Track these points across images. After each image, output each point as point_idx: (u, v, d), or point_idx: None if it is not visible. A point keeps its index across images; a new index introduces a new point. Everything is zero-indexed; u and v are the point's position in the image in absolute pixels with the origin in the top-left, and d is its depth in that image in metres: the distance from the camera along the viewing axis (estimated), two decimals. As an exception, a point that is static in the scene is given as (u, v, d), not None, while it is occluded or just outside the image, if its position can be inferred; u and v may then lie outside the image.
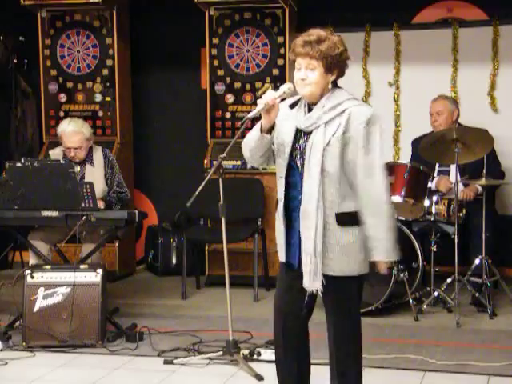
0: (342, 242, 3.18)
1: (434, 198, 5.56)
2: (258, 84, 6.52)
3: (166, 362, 4.48)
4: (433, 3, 6.67)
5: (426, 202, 5.53)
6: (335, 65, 3.20)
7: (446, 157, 5.47)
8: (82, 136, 5.44)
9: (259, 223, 6.22)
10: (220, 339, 4.65)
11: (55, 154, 5.63)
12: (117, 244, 6.66)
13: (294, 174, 3.25)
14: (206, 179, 4.30)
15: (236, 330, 4.58)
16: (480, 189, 5.68)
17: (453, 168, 5.74)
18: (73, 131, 5.42)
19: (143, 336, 4.89)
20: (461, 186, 5.70)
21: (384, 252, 3.19)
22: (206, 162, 6.49)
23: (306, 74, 3.19)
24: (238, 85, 6.61)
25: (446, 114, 5.97)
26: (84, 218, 4.84)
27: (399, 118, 6.71)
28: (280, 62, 6.49)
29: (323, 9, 6.73)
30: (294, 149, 3.25)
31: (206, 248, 6.56)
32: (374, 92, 6.73)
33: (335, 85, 3.26)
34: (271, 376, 4.19)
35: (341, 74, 3.26)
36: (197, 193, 4.24)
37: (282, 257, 3.33)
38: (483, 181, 5.36)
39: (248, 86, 6.59)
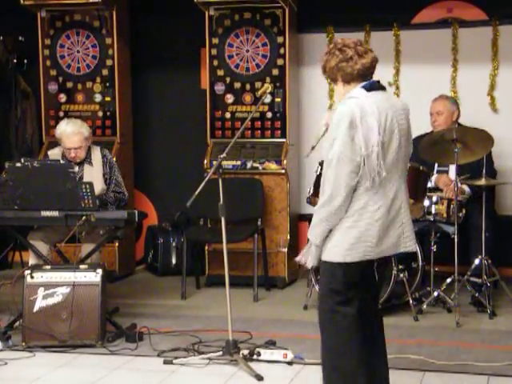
0: None
1: (434, 198, 5.56)
2: (257, 84, 6.50)
3: (165, 362, 4.47)
4: (432, 3, 6.66)
5: (426, 202, 5.52)
6: (330, 72, 3.41)
7: (445, 157, 5.46)
8: (81, 136, 5.43)
9: (259, 223, 6.23)
10: (220, 339, 4.64)
11: (54, 154, 5.61)
12: (116, 244, 6.66)
13: None
14: (206, 179, 4.31)
15: (236, 330, 4.58)
16: (467, 190, 5.69)
17: (452, 168, 5.74)
18: (72, 132, 5.42)
19: (143, 336, 4.89)
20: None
21: (309, 233, 3.33)
22: (205, 162, 6.49)
23: None
24: (237, 85, 6.60)
25: (446, 114, 5.96)
26: (84, 218, 4.83)
27: (399, 118, 6.69)
28: (280, 62, 6.48)
29: (323, 9, 6.74)
30: None
31: (206, 248, 6.55)
32: (374, 92, 6.71)
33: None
34: (271, 376, 4.21)
35: (346, 76, 3.45)
36: (197, 193, 4.25)
37: None
38: (483, 181, 5.36)
39: (248, 86, 6.58)
